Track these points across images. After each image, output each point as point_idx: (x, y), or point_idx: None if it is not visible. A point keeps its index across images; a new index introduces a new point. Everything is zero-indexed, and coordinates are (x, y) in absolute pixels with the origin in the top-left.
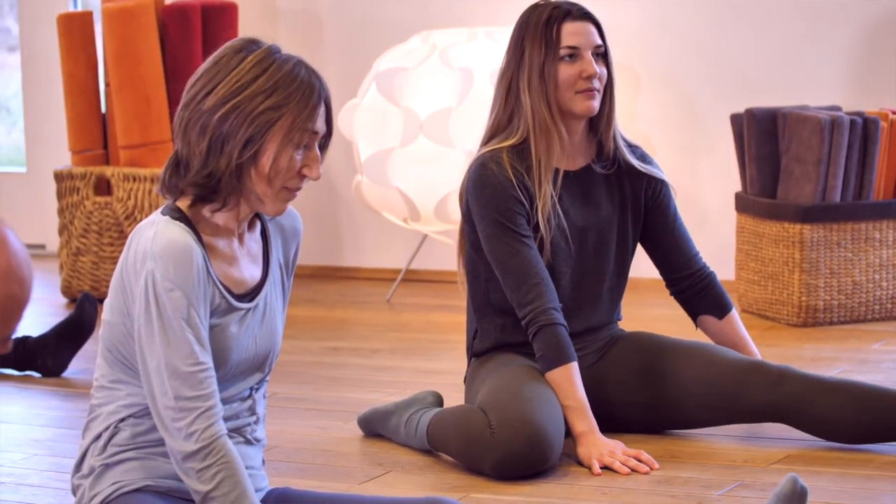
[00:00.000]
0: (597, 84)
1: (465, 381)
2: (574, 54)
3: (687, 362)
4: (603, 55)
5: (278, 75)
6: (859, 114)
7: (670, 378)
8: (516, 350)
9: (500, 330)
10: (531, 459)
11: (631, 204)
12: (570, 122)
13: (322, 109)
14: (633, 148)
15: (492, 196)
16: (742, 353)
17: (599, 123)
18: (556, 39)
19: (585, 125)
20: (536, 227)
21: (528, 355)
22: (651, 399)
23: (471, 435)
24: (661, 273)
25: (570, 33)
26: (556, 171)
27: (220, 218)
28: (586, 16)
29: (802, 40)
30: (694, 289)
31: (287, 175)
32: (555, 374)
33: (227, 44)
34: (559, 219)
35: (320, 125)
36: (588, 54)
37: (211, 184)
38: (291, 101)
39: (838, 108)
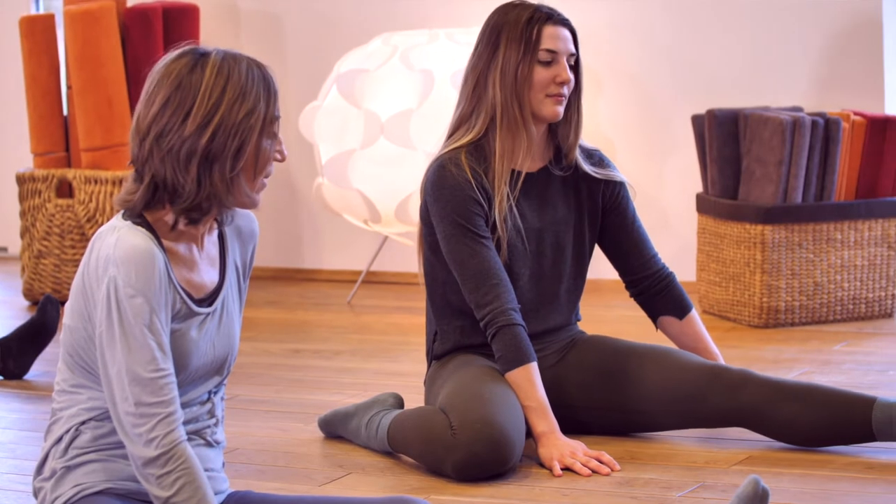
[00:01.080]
0: (566, 91)
1: (425, 384)
2: (552, 59)
3: (648, 367)
4: (575, 64)
5: (240, 78)
6: (821, 115)
7: (631, 383)
8: (476, 351)
9: (459, 332)
10: (492, 461)
11: (588, 206)
12: (535, 124)
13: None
14: (589, 154)
15: (451, 197)
16: (703, 354)
17: (560, 129)
18: (536, 41)
19: (546, 128)
20: (494, 228)
21: (488, 356)
22: (611, 403)
23: (432, 437)
24: (621, 274)
25: (550, 37)
26: (516, 172)
27: (182, 223)
28: (565, 22)
29: (764, 42)
30: (653, 289)
31: (266, 166)
32: (515, 375)
33: (171, 63)
34: (516, 220)
35: (279, 110)
36: (564, 60)
37: (206, 204)
38: (260, 99)
39: (800, 110)
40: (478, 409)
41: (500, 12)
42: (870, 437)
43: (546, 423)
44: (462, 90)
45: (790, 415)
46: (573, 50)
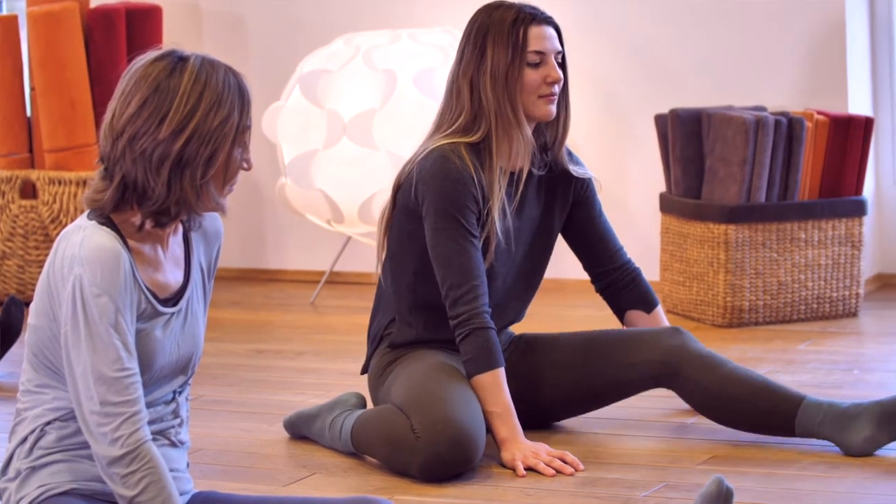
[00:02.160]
0: (556, 89)
1: (367, 371)
2: (540, 60)
3: (569, 344)
4: (562, 61)
5: (217, 86)
6: (784, 114)
7: (561, 361)
8: (436, 346)
9: (422, 324)
10: (456, 461)
11: (559, 205)
12: (528, 125)
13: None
14: (568, 151)
15: (452, 190)
16: None
17: (549, 127)
18: (524, 43)
19: (533, 126)
20: (482, 228)
21: (448, 351)
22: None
23: (395, 440)
24: (587, 269)
25: (537, 37)
26: (511, 174)
27: (149, 225)
28: (549, 20)
29: (727, 41)
30: (619, 283)
31: (235, 174)
32: (482, 379)
33: (150, 65)
34: (506, 221)
35: (251, 119)
36: (552, 59)
37: (174, 209)
38: (234, 108)
39: (763, 109)
40: (438, 410)
41: (484, 14)
42: (791, 432)
43: (509, 428)
44: (451, 94)
45: (701, 381)
46: (559, 47)
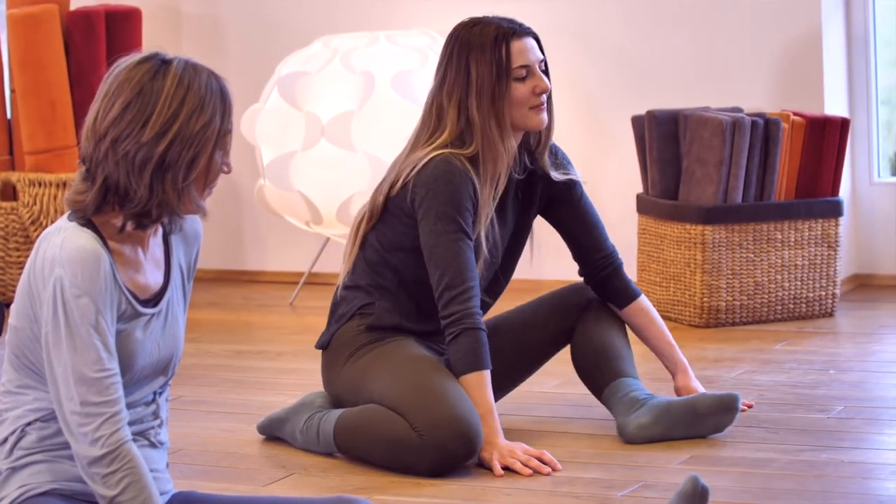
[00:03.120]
0: (544, 98)
1: (324, 347)
2: (527, 73)
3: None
4: (545, 69)
5: (200, 90)
6: (760, 115)
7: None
8: (414, 336)
9: (400, 314)
10: (464, 454)
11: (533, 207)
12: (515, 134)
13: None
14: (553, 153)
15: (455, 192)
16: (650, 341)
17: (534, 133)
18: (508, 59)
19: (520, 137)
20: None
21: (424, 344)
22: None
23: (397, 442)
24: (575, 259)
25: (521, 51)
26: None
27: (130, 226)
28: (528, 31)
29: (703, 42)
30: (598, 276)
31: (216, 178)
32: (469, 379)
33: (133, 68)
34: (493, 233)
35: (232, 124)
36: (538, 70)
37: (156, 211)
38: (216, 112)
39: (739, 110)
40: (439, 407)
41: (463, 32)
42: (599, 396)
43: (489, 428)
44: (430, 112)
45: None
46: (542, 56)
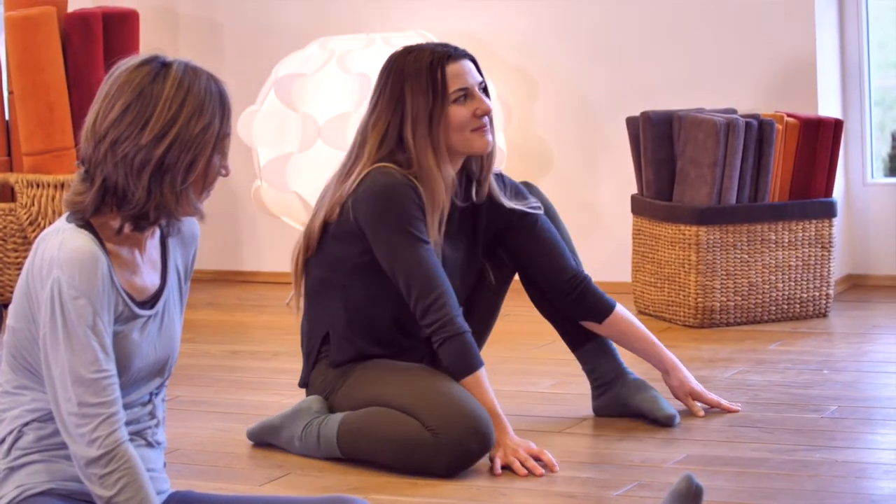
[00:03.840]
0: (486, 120)
1: (305, 385)
2: (465, 95)
3: None
4: (485, 89)
5: (200, 93)
6: (755, 116)
7: None
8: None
9: (361, 338)
10: (478, 451)
11: (481, 234)
12: (455, 160)
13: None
14: (501, 178)
15: (398, 202)
16: (635, 345)
17: (474, 160)
18: (443, 83)
19: (461, 162)
20: None
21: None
22: None
23: (410, 443)
24: (543, 287)
25: (457, 74)
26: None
27: (128, 228)
28: (465, 54)
29: (698, 44)
30: (569, 297)
31: (214, 181)
32: (464, 383)
33: (133, 70)
34: (440, 254)
35: (231, 127)
36: (477, 92)
37: (153, 214)
38: (215, 116)
39: (734, 112)
40: (450, 406)
41: (399, 60)
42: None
43: (498, 426)
44: (367, 146)
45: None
46: (480, 78)
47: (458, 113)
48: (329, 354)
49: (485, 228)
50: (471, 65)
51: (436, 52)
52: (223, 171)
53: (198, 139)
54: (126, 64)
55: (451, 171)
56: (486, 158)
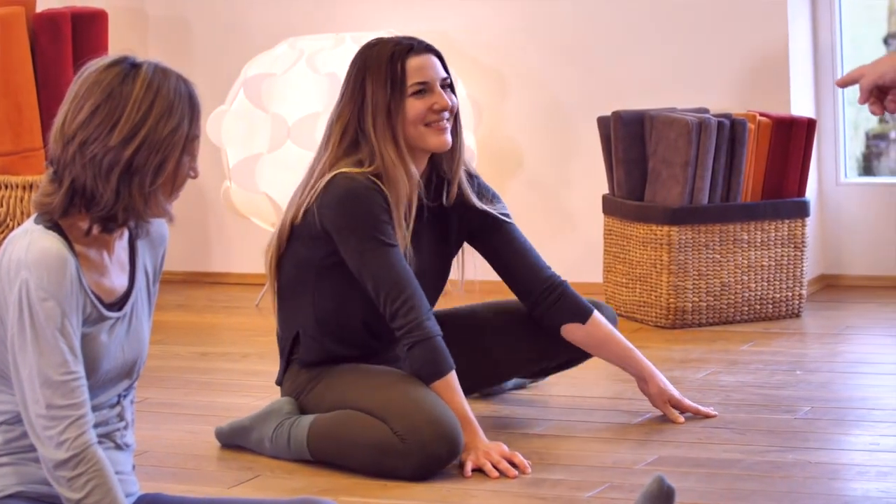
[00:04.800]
0: (447, 115)
1: (284, 384)
2: (424, 89)
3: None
4: (450, 86)
5: (169, 94)
6: (727, 116)
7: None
8: (349, 361)
9: (328, 340)
10: (448, 456)
11: (454, 235)
12: (419, 157)
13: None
14: (471, 177)
15: (364, 207)
16: (617, 353)
17: (443, 160)
18: (403, 76)
19: (426, 159)
20: None
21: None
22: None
23: (379, 447)
24: (516, 294)
25: (417, 68)
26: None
27: (97, 230)
28: (428, 48)
29: (670, 43)
30: (548, 300)
31: (183, 183)
32: (435, 387)
33: (103, 71)
34: (409, 254)
35: (200, 129)
36: (437, 87)
37: (122, 215)
38: (184, 117)
39: (706, 111)
40: (419, 411)
41: (363, 53)
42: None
43: (468, 430)
44: (329, 136)
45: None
46: (444, 74)
47: (413, 106)
48: (299, 355)
49: (458, 230)
50: (434, 60)
51: (399, 45)
52: (192, 174)
53: (167, 141)
54: (95, 65)
55: (413, 166)
56: (454, 158)
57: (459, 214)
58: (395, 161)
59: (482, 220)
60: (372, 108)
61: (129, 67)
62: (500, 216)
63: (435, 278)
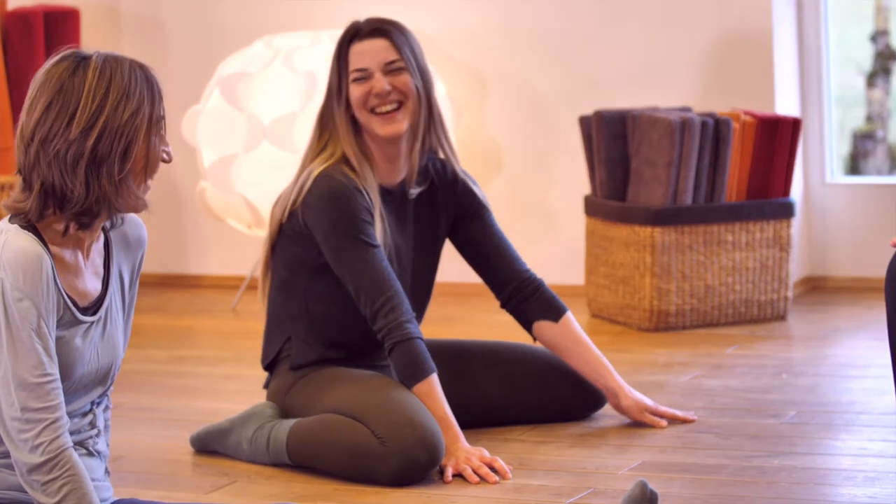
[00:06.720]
0: (395, 98)
1: (270, 388)
2: (363, 76)
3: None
4: (404, 68)
5: (123, 79)
6: (711, 115)
7: (478, 382)
8: (339, 364)
9: (321, 343)
10: (427, 462)
11: (442, 219)
12: (382, 143)
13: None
14: (444, 166)
15: (344, 207)
16: (584, 357)
17: (416, 137)
18: (345, 61)
19: (409, 141)
20: None
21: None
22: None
23: (358, 449)
24: (488, 283)
25: (357, 54)
26: (382, 188)
27: (73, 228)
28: (377, 32)
29: (652, 42)
30: (523, 294)
31: (155, 167)
32: (415, 390)
33: (52, 68)
34: (385, 237)
35: (164, 110)
36: (378, 73)
37: (96, 208)
38: (144, 99)
39: (689, 110)
40: (400, 415)
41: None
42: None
43: (449, 434)
44: (313, 132)
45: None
46: (392, 57)
47: (354, 91)
48: (290, 356)
49: (446, 214)
50: (379, 44)
51: (353, 28)
52: (164, 156)
53: (128, 125)
54: (45, 64)
55: (372, 150)
56: (433, 131)
57: (446, 199)
58: (353, 143)
59: (464, 205)
60: (328, 93)
61: (78, 60)
62: (484, 200)
63: (418, 272)
